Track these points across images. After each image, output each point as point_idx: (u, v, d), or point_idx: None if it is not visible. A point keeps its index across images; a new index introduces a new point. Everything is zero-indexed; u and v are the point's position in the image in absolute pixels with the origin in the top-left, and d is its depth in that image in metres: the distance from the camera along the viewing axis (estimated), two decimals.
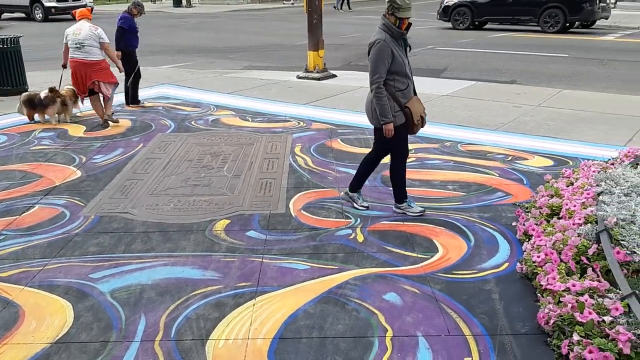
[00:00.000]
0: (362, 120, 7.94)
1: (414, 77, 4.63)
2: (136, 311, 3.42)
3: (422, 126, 4.66)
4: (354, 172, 5.82)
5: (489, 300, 3.52)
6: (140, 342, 3.13)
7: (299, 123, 7.92)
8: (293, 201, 5.12)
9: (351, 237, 4.39)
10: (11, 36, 9.60)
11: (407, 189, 5.33)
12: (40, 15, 24.77)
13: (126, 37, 8.57)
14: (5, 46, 9.43)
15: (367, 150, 6.61)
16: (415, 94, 4.60)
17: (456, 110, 8.51)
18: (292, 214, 4.84)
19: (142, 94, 9.77)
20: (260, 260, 4.04)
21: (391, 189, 5.35)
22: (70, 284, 3.72)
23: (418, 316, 3.35)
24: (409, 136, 4.74)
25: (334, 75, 11.46)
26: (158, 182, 5.60)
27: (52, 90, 7.74)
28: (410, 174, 5.73)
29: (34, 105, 7.73)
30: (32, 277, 3.81)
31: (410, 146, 6.67)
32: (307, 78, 11.24)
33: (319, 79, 11.12)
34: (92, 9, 8.08)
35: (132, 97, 8.98)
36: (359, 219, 4.69)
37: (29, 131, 7.40)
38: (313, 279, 3.79)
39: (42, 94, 7.69)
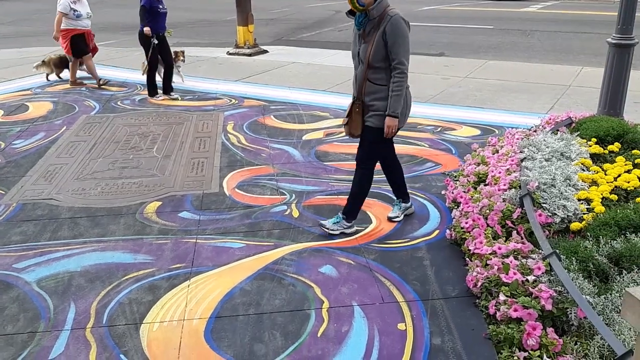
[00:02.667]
0: (295, 96, 7.95)
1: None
2: (65, 299, 3.30)
3: (347, 133, 3.97)
4: (287, 148, 5.84)
5: (421, 267, 3.62)
6: (71, 331, 3.03)
7: (231, 100, 7.80)
8: (226, 180, 5.05)
9: (286, 213, 4.39)
10: None
11: (340, 162, 5.40)
12: None
13: (148, 17, 7.67)
14: None
15: (301, 127, 6.63)
16: (359, 93, 3.80)
17: None
18: (226, 192, 4.78)
19: (62, 74, 9.31)
20: (194, 241, 3.98)
21: (325, 164, 5.39)
22: None
23: (353, 286, 3.41)
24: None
25: (265, 51, 11.31)
26: (84, 166, 5.38)
27: None
28: (343, 148, 5.81)
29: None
30: None
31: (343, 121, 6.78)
32: (238, 54, 11.04)
33: (249, 55, 10.95)
34: None
35: (164, 87, 8.05)
36: (293, 195, 4.69)
37: None
38: (249, 256, 3.77)
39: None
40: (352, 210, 4.05)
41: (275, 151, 5.76)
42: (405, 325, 3.06)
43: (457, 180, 4.71)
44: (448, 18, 16.35)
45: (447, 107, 7.34)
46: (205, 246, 3.90)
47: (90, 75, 8.77)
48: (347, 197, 4.08)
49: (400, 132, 6.21)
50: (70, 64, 8.61)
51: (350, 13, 3.74)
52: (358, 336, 2.97)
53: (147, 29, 7.59)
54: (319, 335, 2.99)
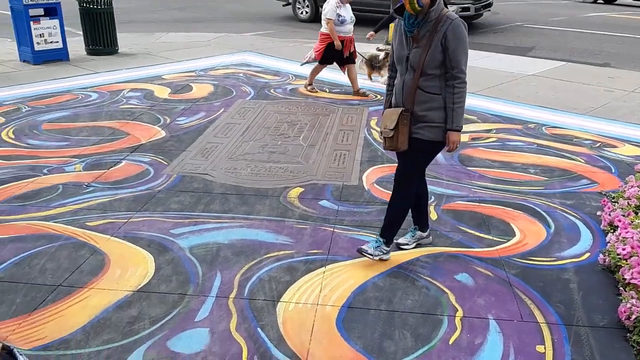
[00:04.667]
0: None
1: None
2: (212, 268, 3.56)
3: (389, 147, 3.58)
4: None
5: (567, 290, 3.39)
6: (216, 298, 3.26)
7: (376, 96, 7.84)
8: (366, 174, 5.10)
9: None
10: None
11: (485, 169, 5.22)
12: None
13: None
14: (97, 7, 9.84)
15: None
16: (407, 102, 3.41)
17: (542, 91, 8.13)
18: (365, 186, 4.83)
19: (223, 60, 9.96)
20: (332, 230, 4.07)
21: (469, 169, 5.24)
22: (153, 238, 3.91)
23: (490, 299, 3.29)
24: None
25: None
26: (237, 146, 5.73)
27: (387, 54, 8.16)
28: (489, 154, 5.61)
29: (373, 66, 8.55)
30: (118, 228, 4.03)
31: (491, 126, 6.56)
32: (388, 50, 11.05)
33: None
34: None
35: None
36: (432, 197, 4.61)
37: (118, 90, 7.74)
38: None
39: (381, 56, 8.44)
40: (391, 235, 3.70)
41: None
42: (545, 348, 2.89)
43: (615, 202, 4.34)
44: (617, 26, 15.03)
45: (609, 122, 6.77)
46: (342, 236, 3.98)
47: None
48: (384, 219, 3.70)
49: (554, 144, 5.91)
50: (312, 68, 8.06)
51: (398, 12, 3.38)
52: (492, 351, 2.87)
53: (371, 33, 7.83)
54: (450, 342, 2.93)
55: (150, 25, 14.21)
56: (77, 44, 10.17)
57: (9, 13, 9.49)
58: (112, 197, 4.52)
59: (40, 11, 9.19)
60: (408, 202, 3.68)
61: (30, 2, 8.98)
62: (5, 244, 3.78)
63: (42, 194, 4.53)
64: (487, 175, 5.10)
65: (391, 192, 3.69)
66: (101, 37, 10.00)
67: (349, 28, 7.61)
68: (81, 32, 10.21)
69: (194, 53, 10.42)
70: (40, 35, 9.19)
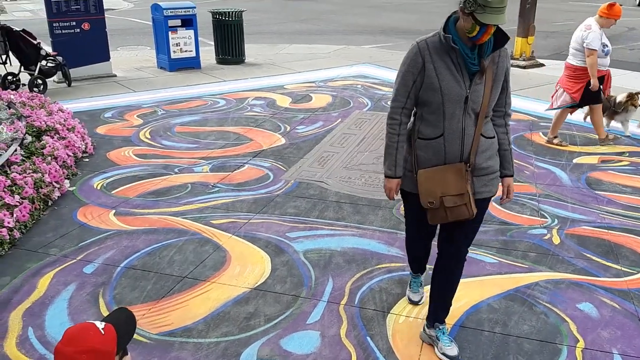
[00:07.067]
0: (571, 115, 7.37)
1: None
2: (325, 273, 3.64)
3: (455, 218, 2.66)
4: (554, 169, 5.49)
5: None
6: (327, 303, 3.33)
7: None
8: None
9: (546, 237, 4.13)
10: (235, 10, 10.58)
11: (615, 194, 4.88)
12: None
13: None
14: (229, 19, 10.46)
15: (573, 148, 6.13)
16: (465, 160, 2.63)
17: None
18: None
19: (342, 71, 10.14)
20: None
21: (597, 192, 4.93)
22: (270, 239, 4.08)
23: (616, 333, 3.07)
24: None
25: (541, 64, 10.72)
26: (352, 156, 5.82)
27: (630, 96, 6.44)
28: (621, 179, 5.24)
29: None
30: (239, 227, 4.25)
31: (624, 149, 6.11)
32: (512, 65, 10.66)
33: (524, 67, 10.50)
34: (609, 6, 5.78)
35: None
36: (556, 220, 4.39)
37: (244, 98, 8.16)
38: (500, 274, 3.66)
39: (618, 98, 6.49)
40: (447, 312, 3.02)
41: (541, 170, 5.45)
42: None
43: None
44: None
45: None
46: None
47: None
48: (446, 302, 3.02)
49: None
50: (558, 114, 6.33)
51: (450, 36, 2.53)
52: None
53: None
54: None
55: (274, 36, 14.83)
56: (208, 54, 10.86)
57: (148, 23, 10.33)
58: (234, 198, 4.77)
59: (178, 22, 9.95)
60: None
61: (170, 14, 9.76)
62: (139, 235, 4.13)
63: (173, 191, 4.90)
64: (617, 200, 4.76)
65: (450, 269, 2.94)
66: (230, 48, 10.60)
67: (608, 60, 6.05)
68: (212, 42, 10.91)
69: (314, 64, 10.73)
70: (176, 44, 9.94)
